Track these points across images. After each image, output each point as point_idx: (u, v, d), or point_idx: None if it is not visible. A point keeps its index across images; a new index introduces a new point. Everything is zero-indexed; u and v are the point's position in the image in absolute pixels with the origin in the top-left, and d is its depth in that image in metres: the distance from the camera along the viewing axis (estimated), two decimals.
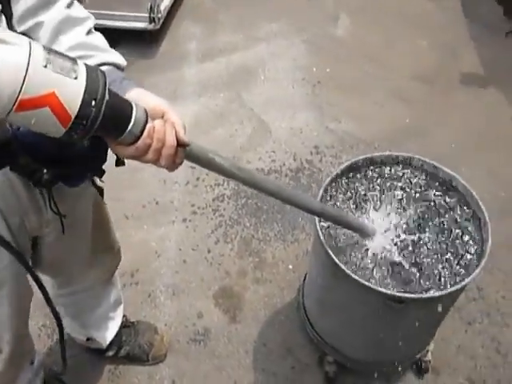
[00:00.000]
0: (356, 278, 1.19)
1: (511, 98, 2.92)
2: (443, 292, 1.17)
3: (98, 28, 1.02)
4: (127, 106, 0.77)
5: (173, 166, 0.85)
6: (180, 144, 0.84)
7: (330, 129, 2.78)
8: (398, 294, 1.18)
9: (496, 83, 3.03)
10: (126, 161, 0.91)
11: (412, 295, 1.17)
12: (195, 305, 2.03)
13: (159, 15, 3.14)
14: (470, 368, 1.81)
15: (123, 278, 2.08)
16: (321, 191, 1.45)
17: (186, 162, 0.92)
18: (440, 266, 1.32)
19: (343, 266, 1.22)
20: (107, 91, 0.71)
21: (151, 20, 3.13)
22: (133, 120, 0.76)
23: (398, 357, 1.58)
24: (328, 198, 1.51)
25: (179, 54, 3.29)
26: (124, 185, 2.41)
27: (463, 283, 1.19)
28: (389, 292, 1.18)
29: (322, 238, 1.32)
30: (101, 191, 1.17)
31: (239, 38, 3.41)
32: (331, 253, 1.27)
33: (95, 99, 0.68)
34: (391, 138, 2.69)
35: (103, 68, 0.88)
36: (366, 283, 1.18)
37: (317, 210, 1.17)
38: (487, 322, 1.93)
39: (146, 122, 0.79)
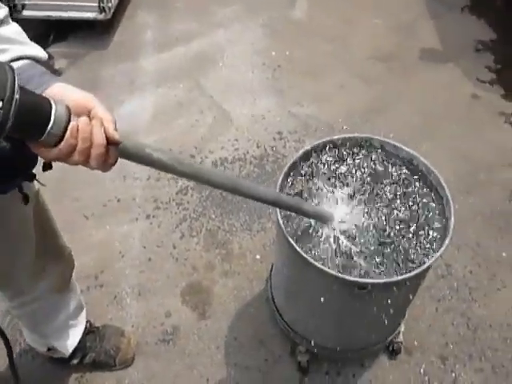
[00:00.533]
0: (318, 265, 1.15)
1: (470, 73, 2.93)
2: (406, 276, 1.14)
3: (46, 20, 0.92)
4: (45, 104, 0.69)
5: (105, 166, 0.77)
6: (111, 142, 0.76)
7: (293, 113, 2.73)
8: (360, 280, 1.14)
9: (454, 59, 3.04)
10: None
11: (374, 280, 1.14)
12: (163, 304, 1.97)
13: (109, 4, 3.00)
14: (441, 346, 1.81)
15: (87, 281, 1.99)
16: (280, 179, 1.40)
17: None
18: (406, 246, 1.30)
19: (305, 254, 1.18)
20: (17, 89, 0.63)
21: (101, 10, 3.00)
22: (52, 119, 0.68)
23: (369, 342, 1.56)
24: (289, 185, 1.46)
25: (134, 44, 3.17)
26: (81, 183, 2.31)
27: (424, 266, 1.17)
28: (351, 278, 1.14)
29: (282, 226, 1.27)
30: (26, 198, 1.04)
31: (195, 25, 3.31)
32: (293, 242, 1.23)
33: (2, 99, 0.60)
34: (354, 119, 2.67)
35: (19, 63, 0.79)
36: (328, 270, 1.14)
37: (270, 199, 1.11)
38: (456, 298, 1.93)
39: (69, 120, 0.71)
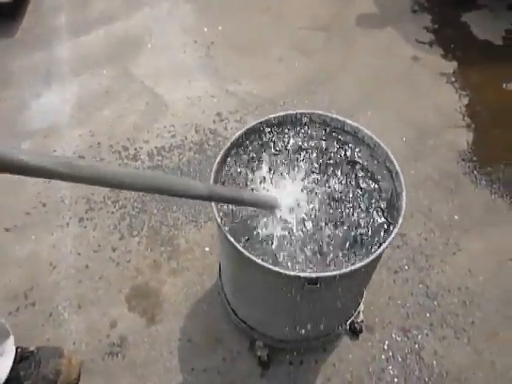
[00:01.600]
0: (261, 263, 1.02)
1: (408, 35, 2.86)
2: (361, 264, 1.03)
3: None
4: None
5: None
6: None
7: (231, 92, 2.57)
8: (310, 275, 1.02)
9: (392, 22, 2.96)
10: None
11: (324, 274, 1.02)
12: (107, 313, 1.80)
13: None
14: (402, 318, 1.75)
15: (15, 302, 1.79)
16: (214, 169, 1.25)
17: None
18: (358, 223, 1.19)
19: (246, 251, 1.05)
20: None
21: None
22: None
23: (330, 328, 1.47)
24: (227, 172, 1.32)
25: (46, 29, 2.88)
26: None
27: (375, 254, 1.06)
28: (301, 275, 1.02)
29: (219, 221, 1.13)
30: None
31: (117, 4, 3.05)
32: (230, 237, 1.09)
33: None
34: (296, 93, 2.54)
35: None
36: (271, 267, 1.02)
37: (203, 194, 0.98)
38: (413, 268, 1.88)
39: None
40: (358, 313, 1.61)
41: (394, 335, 1.71)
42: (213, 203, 1.17)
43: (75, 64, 2.68)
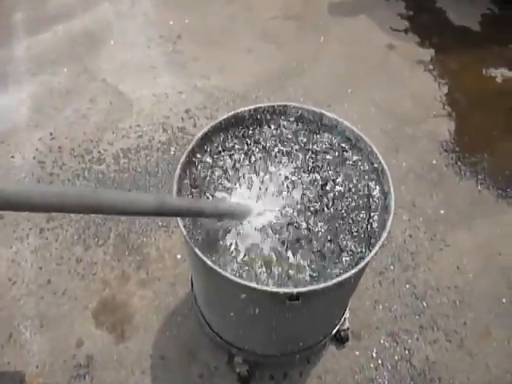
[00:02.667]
0: (234, 278, 0.89)
1: (383, 23, 2.76)
2: (346, 275, 0.91)
3: None
4: None
5: None
6: None
7: (200, 87, 2.43)
8: (289, 291, 0.90)
9: (366, 9, 2.86)
10: None
11: (306, 288, 0.89)
12: (72, 331, 1.65)
13: None
14: (390, 322, 1.65)
15: None
16: (177, 174, 1.12)
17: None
18: (344, 228, 1.08)
19: (216, 267, 0.92)
20: None
21: None
22: None
23: (312, 340, 1.35)
24: (193, 176, 1.18)
25: (2, 27, 2.68)
26: None
27: (364, 261, 0.95)
28: (280, 291, 0.89)
29: (184, 232, 1.00)
30: None
31: None
32: (197, 250, 0.96)
33: None
34: (269, 86, 2.41)
35: None
36: (248, 284, 0.89)
37: (150, 210, 0.82)
38: (399, 267, 1.78)
39: None
40: (344, 320, 1.50)
41: (382, 341, 1.60)
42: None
43: (33, 63, 2.50)
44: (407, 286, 1.73)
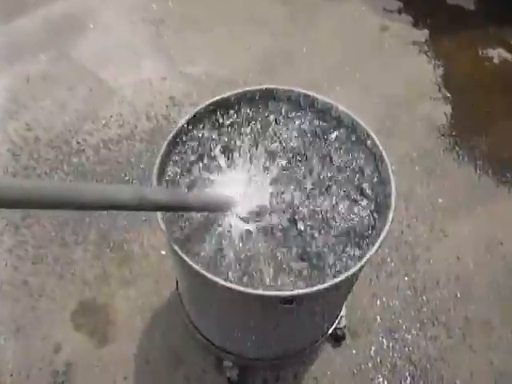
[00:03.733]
0: (226, 284, 0.79)
1: (376, 4, 2.64)
2: (342, 277, 0.81)
3: None
4: None
5: None
6: None
7: (185, 73, 2.30)
8: (283, 294, 0.80)
9: None
10: None
11: (300, 291, 0.79)
12: (49, 336, 1.54)
13: None
14: (388, 317, 1.56)
15: None
16: (156, 165, 1.01)
17: None
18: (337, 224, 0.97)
19: (205, 272, 0.81)
20: None
21: None
22: None
23: (307, 342, 1.25)
24: (177, 165, 1.08)
25: None
26: None
27: (362, 260, 0.85)
28: (272, 294, 0.79)
29: (164, 229, 0.89)
30: None
31: None
32: (179, 250, 0.85)
33: None
34: (256, 71, 2.30)
35: None
36: (236, 287, 0.79)
37: (131, 203, 0.74)
38: (397, 259, 1.68)
39: None
40: (341, 318, 1.40)
41: (380, 339, 1.51)
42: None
43: (8, 50, 2.36)
44: (406, 278, 1.64)
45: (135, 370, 1.47)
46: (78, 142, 2.03)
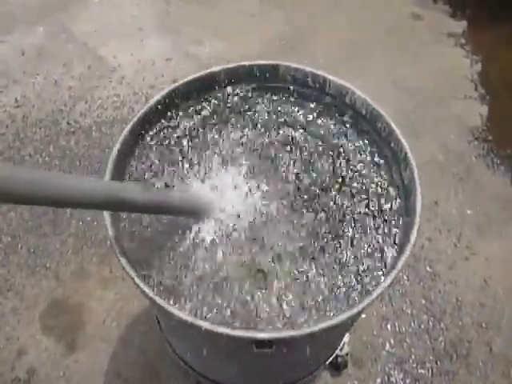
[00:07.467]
0: (179, 314, 0.59)
1: None
2: (335, 321, 0.60)
3: None
4: None
5: None
6: None
7: (192, 54, 2.11)
8: (259, 335, 0.59)
9: None
10: None
11: (281, 334, 0.59)
12: (13, 338, 1.37)
13: None
14: (398, 345, 1.34)
15: None
16: (113, 156, 0.81)
17: None
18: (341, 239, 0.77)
19: (166, 305, 0.62)
20: None
21: None
22: None
23: (299, 375, 1.04)
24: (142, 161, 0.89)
25: None
26: None
27: (372, 296, 0.64)
28: (245, 335, 0.59)
29: (115, 245, 0.70)
30: None
31: None
32: (134, 274, 0.66)
33: None
34: (270, 55, 2.08)
35: None
36: (199, 323, 0.58)
37: (97, 201, 0.62)
38: (413, 278, 1.46)
39: None
40: (343, 344, 1.19)
41: (388, 370, 1.29)
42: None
43: (3, 21, 2.20)
44: (422, 301, 1.42)
45: None
46: (69, 123, 1.85)
